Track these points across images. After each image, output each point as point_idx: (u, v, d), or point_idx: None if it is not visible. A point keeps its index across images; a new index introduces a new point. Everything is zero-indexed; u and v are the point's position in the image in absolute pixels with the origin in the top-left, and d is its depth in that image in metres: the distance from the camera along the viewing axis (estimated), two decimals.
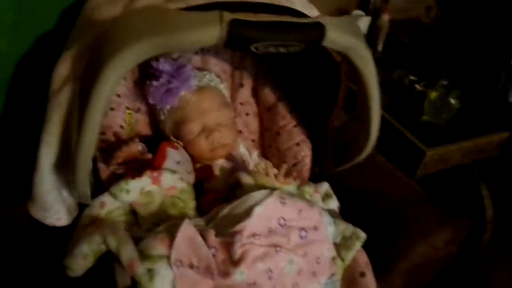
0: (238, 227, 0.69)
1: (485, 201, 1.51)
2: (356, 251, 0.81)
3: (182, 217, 0.76)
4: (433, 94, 1.31)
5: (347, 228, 0.83)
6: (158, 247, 0.67)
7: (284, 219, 0.75)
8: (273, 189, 0.79)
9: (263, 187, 0.80)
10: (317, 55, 0.80)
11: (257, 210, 0.72)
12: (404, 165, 1.12)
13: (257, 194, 0.75)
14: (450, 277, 1.45)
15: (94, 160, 0.80)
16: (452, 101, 1.29)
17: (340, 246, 0.82)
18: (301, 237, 0.76)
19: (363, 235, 0.82)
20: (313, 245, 0.77)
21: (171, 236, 0.68)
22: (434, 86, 1.33)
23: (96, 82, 0.56)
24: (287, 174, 0.86)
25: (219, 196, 0.84)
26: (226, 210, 0.74)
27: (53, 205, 0.73)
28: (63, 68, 0.66)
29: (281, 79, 0.99)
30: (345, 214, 0.92)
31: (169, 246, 0.67)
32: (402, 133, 1.27)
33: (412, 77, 1.48)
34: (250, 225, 0.70)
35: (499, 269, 1.59)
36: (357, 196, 0.98)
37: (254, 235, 0.70)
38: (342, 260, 0.81)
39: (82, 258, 0.71)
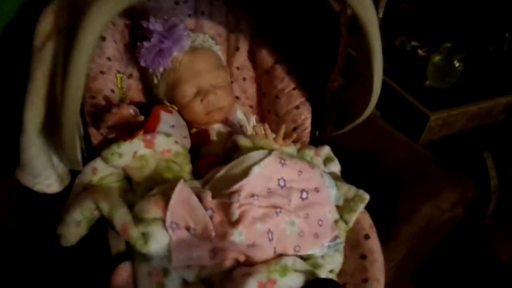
0: (235, 187, 0.66)
1: (489, 171, 1.48)
2: (359, 213, 0.78)
3: (177, 180, 0.73)
4: (437, 58, 1.27)
5: (350, 190, 0.80)
6: (152, 209, 0.65)
7: (284, 180, 0.73)
8: (272, 150, 0.76)
9: (261, 149, 0.77)
10: (315, 6, 0.75)
11: (256, 170, 0.69)
12: (408, 131, 1.08)
13: (256, 154, 0.72)
14: (454, 247, 1.43)
15: (85, 125, 0.77)
16: (456, 64, 1.24)
17: (343, 209, 0.79)
18: (302, 198, 0.73)
19: (366, 196, 0.79)
20: (315, 207, 0.74)
21: (166, 198, 0.65)
22: (437, 49, 1.28)
23: (79, 30, 0.52)
24: (286, 136, 0.82)
25: (216, 160, 0.81)
26: (223, 171, 0.71)
27: (43, 171, 0.70)
28: (45, 23, 0.62)
29: (278, 40, 0.95)
30: (347, 176, 0.89)
31: (164, 208, 0.64)
32: (405, 99, 1.23)
33: (414, 43, 1.43)
34: (248, 185, 0.67)
35: (503, 239, 1.58)
36: (359, 158, 0.95)
37: (252, 195, 0.67)
38: (345, 222, 0.78)
39: (75, 225, 0.69)
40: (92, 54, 0.58)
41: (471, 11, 1.49)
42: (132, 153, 0.73)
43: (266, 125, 0.81)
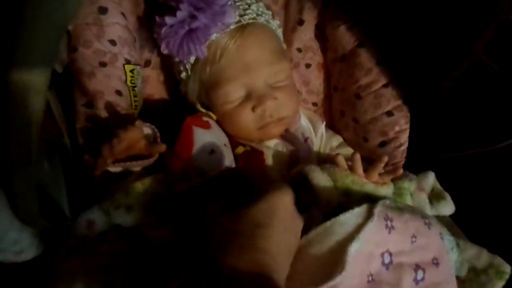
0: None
1: None
2: None
3: None
4: None
5: (479, 256, 0.53)
6: None
7: (390, 254, 0.45)
8: (365, 197, 0.49)
9: (347, 190, 0.50)
10: None
11: (353, 250, 0.41)
12: None
13: (349, 218, 0.44)
14: None
15: (79, 151, 0.50)
16: None
17: (468, 283, 0.52)
18: (416, 281, 0.46)
19: (506, 268, 0.52)
20: None
21: None
22: None
23: None
24: (388, 171, 0.54)
25: None
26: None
27: (6, 233, 0.44)
28: None
29: (365, 13, 0.64)
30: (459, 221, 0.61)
31: None
32: None
33: None
34: (344, 282, 0.40)
35: None
36: (476, 192, 0.65)
37: None
38: None
39: None
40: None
41: None
42: (148, 204, 0.46)
43: (358, 156, 0.53)
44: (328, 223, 0.43)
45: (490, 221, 0.61)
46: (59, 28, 0.40)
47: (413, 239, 0.47)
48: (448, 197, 0.61)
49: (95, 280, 0.43)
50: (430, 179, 0.62)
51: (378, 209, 0.45)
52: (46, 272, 0.47)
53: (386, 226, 0.45)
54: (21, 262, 0.47)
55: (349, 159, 0.55)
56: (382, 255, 0.45)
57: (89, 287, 0.42)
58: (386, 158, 0.52)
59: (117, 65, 0.54)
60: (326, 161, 0.59)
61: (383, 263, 0.45)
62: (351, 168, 0.53)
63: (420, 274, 0.46)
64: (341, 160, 0.53)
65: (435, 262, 0.48)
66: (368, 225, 0.43)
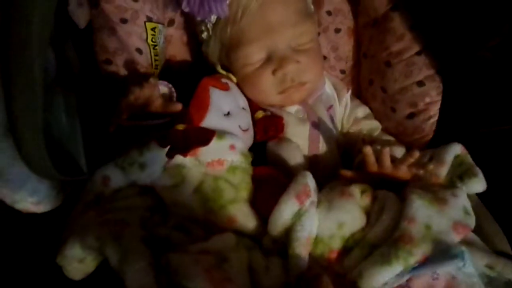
0: None
1: None
2: None
3: (231, 216, 0.45)
4: None
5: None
6: (199, 283, 0.38)
7: None
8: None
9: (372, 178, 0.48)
10: None
11: None
12: None
13: None
14: None
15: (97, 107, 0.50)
16: None
17: None
18: None
19: None
20: None
21: (224, 270, 0.38)
22: None
23: None
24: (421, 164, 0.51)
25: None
26: None
27: (24, 183, 0.46)
28: None
29: None
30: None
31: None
32: None
33: None
34: None
35: None
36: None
37: None
38: None
39: (77, 261, 0.47)
40: None
41: None
42: (163, 163, 0.46)
43: (387, 150, 0.50)
44: None
45: None
46: None
47: None
48: (480, 174, 0.56)
49: (106, 233, 0.43)
50: (452, 150, 0.57)
51: None
52: (71, 216, 0.48)
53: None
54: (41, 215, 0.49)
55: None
56: None
57: (100, 239, 0.43)
58: (417, 154, 0.50)
59: (138, 23, 0.54)
60: (347, 139, 0.58)
61: None
62: (379, 161, 0.50)
63: None
64: (368, 151, 0.50)
65: None
66: None
